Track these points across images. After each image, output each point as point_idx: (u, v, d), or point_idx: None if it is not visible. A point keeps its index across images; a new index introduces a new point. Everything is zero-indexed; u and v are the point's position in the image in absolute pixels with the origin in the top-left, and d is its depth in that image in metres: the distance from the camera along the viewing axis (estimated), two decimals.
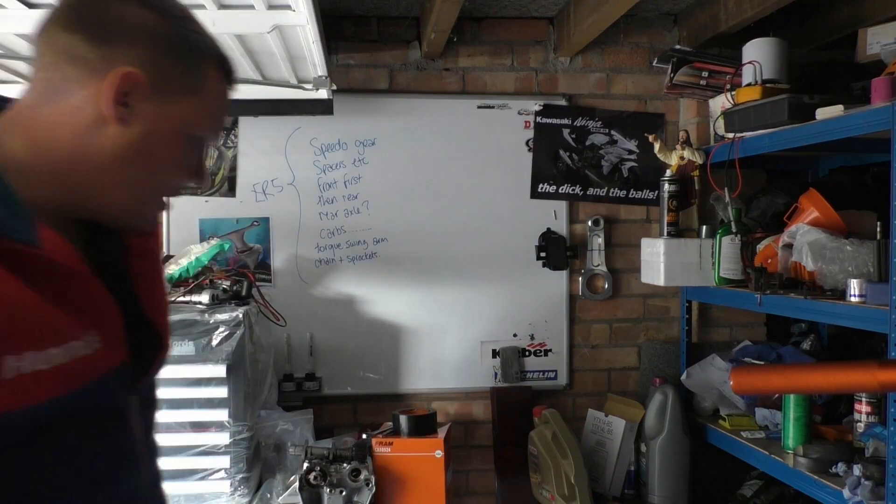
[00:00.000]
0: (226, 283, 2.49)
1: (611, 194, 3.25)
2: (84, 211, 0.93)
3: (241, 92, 2.77)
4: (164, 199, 1.00)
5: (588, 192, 3.24)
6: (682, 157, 2.95)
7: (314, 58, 2.40)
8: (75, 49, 0.87)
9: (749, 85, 2.64)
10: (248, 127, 3.11)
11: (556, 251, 3.18)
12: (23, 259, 0.81)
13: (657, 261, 2.91)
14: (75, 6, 0.89)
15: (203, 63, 0.95)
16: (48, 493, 0.86)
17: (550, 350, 3.23)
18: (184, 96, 0.93)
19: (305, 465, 2.37)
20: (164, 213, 2.79)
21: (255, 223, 3.13)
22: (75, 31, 0.87)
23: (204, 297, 2.44)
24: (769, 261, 2.61)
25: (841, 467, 2.22)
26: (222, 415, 2.32)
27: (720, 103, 2.85)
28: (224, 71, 0.98)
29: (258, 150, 3.12)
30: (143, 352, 1.02)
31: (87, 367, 0.89)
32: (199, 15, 1.98)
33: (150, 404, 1.11)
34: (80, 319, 0.88)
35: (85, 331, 0.88)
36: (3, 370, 0.80)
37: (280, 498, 2.41)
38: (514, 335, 3.21)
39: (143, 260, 1.03)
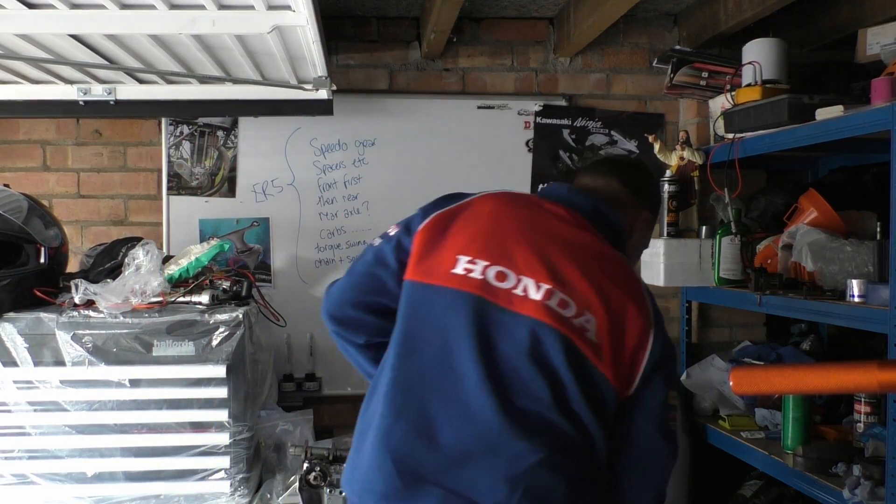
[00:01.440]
0: (226, 284, 2.49)
1: None
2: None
3: (241, 92, 2.78)
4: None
5: None
6: (681, 158, 2.95)
7: (314, 58, 2.40)
8: (625, 196, 1.76)
9: (749, 85, 2.64)
10: (248, 127, 3.11)
11: None
12: None
13: (657, 261, 2.91)
14: (625, 175, 1.79)
15: (657, 207, 1.89)
16: None
17: None
18: (652, 223, 1.86)
19: (305, 465, 2.37)
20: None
21: (255, 223, 3.13)
22: (627, 187, 1.77)
23: (204, 298, 2.44)
24: (769, 261, 2.61)
25: (841, 467, 2.22)
26: (222, 415, 2.32)
27: (720, 103, 2.85)
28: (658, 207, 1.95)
29: (258, 151, 3.12)
30: None
31: None
32: (200, 15, 1.98)
33: None
34: None
35: None
36: None
37: (280, 498, 2.41)
38: None
39: None
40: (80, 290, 2.29)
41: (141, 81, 2.76)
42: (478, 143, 3.16)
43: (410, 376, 1.48)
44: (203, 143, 3.12)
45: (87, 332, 2.29)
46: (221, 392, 2.32)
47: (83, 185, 3.14)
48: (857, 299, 2.12)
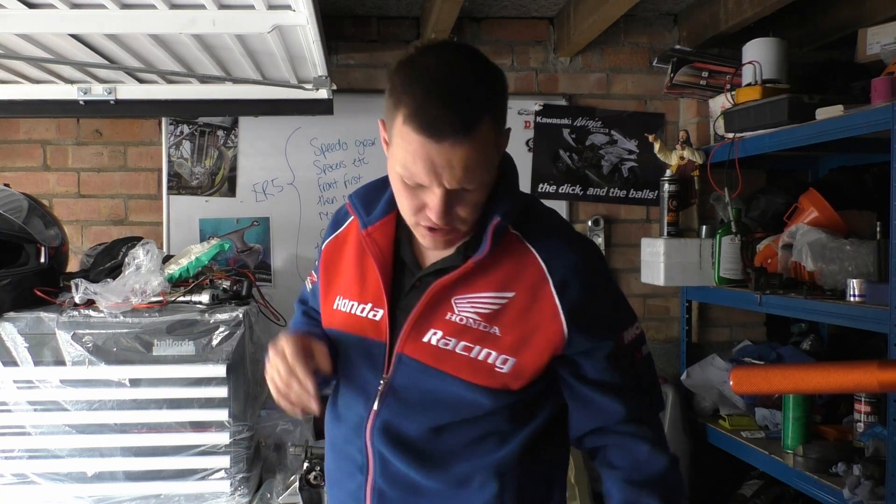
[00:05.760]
0: (226, 283, 2.49)
1: (611, 194, 3.25)
2: None
3: (242, 92, 2.78)
4: (419, 227, 1.25)
5: (588, 192, 3.24)
6: (682, 157, 2.95)
7: (314, 58, 2.40)
8: None
9: (749, 85, 2.64)
10: (248, 127, 3.11)
11: None
12: None
13: (657, 261, 2.91)
14: None
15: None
16: None
17: None
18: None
19: (305, 465, 2.37)
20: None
21: (255, 223, 3.13)
22: None
23: (204, 297, 2.44)
24: (769, 261, 2.61)
25: (841, 467, 2.22)
26: (222, 415, 2.32)
27: (720, 103, 2.85)
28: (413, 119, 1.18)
29: (258, 150, 3.12)
30: None
31: None
32: (200, 15, 1.97)
33: None
34: None
35: None
36: None
37: (280, 498, 2.41)
38: None
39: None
40: (80, 290, 2.29)
41: (141, 81, 2.76)
42: None
43: None
44: (203, 142, 3.12)
45: (88, 331, 2.29)
46: (221, 392, 2.32)
47: (83, 185, 3.14)
48: (857, 299, 2.12)
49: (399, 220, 1.33)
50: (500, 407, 1.27)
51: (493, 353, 1.24)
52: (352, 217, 1.40)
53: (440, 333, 1.26)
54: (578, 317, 1.25)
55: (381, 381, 1.29)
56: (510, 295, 1.25)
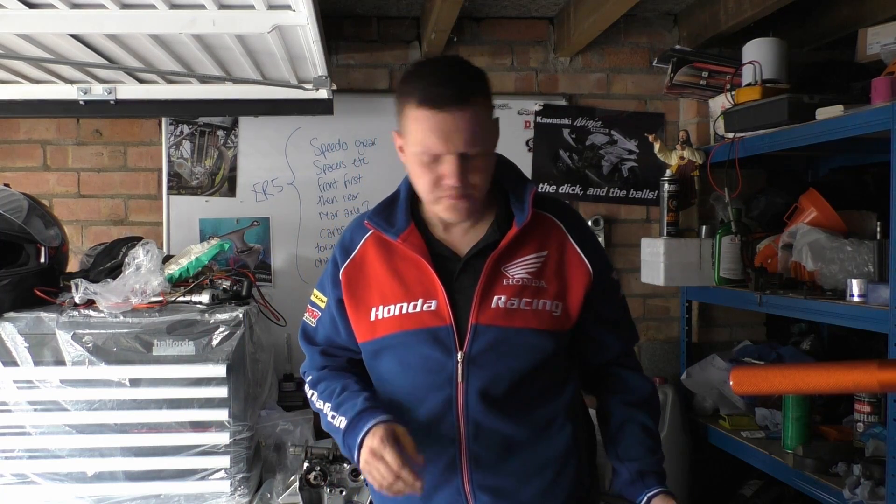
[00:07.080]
0: (226, 283, 2.49)
1: (611, 194, 3.25)
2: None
3: (242, 92, 2.78)
4: (442, 200, 1.46)
5: (588, 192, 3.24)
6: (682, 157, 2.94)
7: (314, 58, 2.40)
8: None
9: (749, 85, 2.64)
10: (248, 127, 3.11)
11: None
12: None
13: (657, 261, 2.91)
14: None
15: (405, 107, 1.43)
16: None
17: None
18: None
19: (305, 465, 2.37)
20: None
21: (255, 223, 3.13)
22: None
23: (204, 297, 2.44)
24: (769, 261, 2.61)
25: (841, 467, 2.22)
26: (222, 415, 2.32)
27: (720, 103, 2.85)
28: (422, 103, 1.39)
29: (258, 150, 3.12)
30: None
31: None
32: (200, 15, 1.97)
33: None
34: None
35: None
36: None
37: (280, 498, 2.40)
38: None
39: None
40: (80, 290, 2.29)
41: (141, 81, 2.76)
42: None
43: None
44: (203, 142, 3.12)
45: (88, 331, 2.29)
46: (221, 392, 2.32)
47: (83, 185, 3.14)
48: (857, 299, 2.12)
49: (421, 227, 1.53)
50: (558, 349, 1.52)
51: (548, 302, 1.50)
52: (364, 237, 1.58)
53: (504, 297, 1.48)
54: (595, 260, 1.55)
55: (459, 355, 1.46)
56: (545, 254, 1.53)
